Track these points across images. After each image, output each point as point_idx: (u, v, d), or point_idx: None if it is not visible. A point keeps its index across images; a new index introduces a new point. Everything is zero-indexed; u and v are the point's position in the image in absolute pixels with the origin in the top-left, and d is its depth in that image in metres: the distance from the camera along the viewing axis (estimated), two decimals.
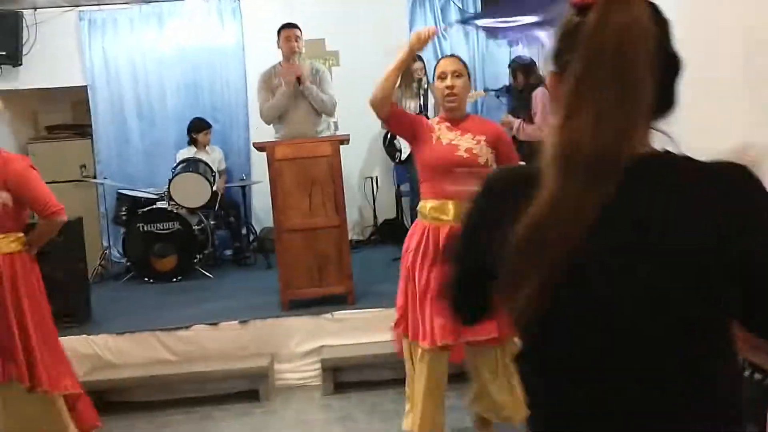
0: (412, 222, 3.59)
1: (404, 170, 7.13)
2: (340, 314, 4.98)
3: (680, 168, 1.12)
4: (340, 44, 7.91)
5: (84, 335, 4.90)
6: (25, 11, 7.60)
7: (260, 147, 5.17)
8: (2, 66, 7.62)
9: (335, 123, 5.77)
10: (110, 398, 4.85)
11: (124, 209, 6.99)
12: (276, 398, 4.74)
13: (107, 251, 7.59)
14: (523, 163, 5.86)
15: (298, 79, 5.56)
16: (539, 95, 6.46)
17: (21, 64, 7.63)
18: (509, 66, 6.99)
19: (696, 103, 1.18)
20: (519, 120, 6.52)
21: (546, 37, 5.27)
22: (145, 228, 6.65)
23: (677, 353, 1.09)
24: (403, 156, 6.82)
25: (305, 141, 5.24)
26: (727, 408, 1.12)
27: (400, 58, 3.30)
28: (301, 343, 4.95)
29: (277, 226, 5.10)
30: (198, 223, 6.84)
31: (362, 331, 4.83)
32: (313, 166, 5.03)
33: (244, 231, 7.58)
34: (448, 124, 3.35)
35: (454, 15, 8.09)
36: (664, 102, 1.15)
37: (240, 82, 7.96)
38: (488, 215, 1.22)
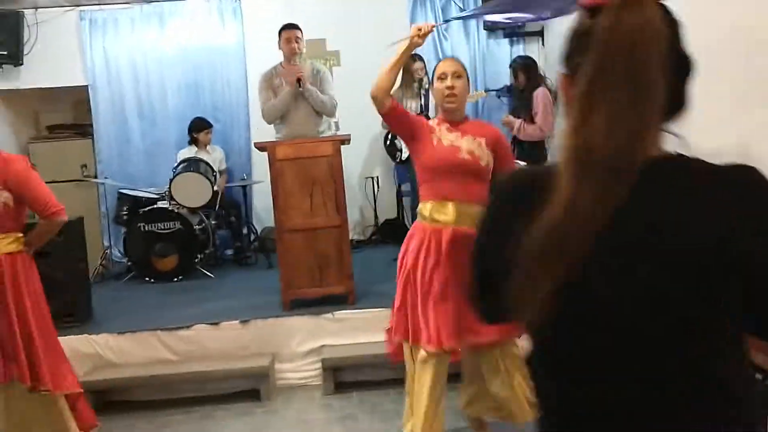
0: (412, 222, 3.57)
1: (405, 170, 7.13)
2: (340, 314, 4.99)
3: (693, 170, 1.12)
4: (341, 44, 7.92)
5: (85, 335, 4.91)
6: (26, 11, 7.61)
7: (261, 147, 5.17)
8: (3, 66, 7.62)
9: (336, 123, 5.78)
10: (111, 398, 4.86)
11: (125, 209, 7.00)
12: (277, 398, 4.75)
13: (108, 251, 7.60)
14: (523, 162, 5.89)
15: (299, 81, 5.57)
16: (540, 95, 6.47)
17: (22, 64, 7.64)
18: (510, 66, 6.99)
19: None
20: (520, 120, 6.53)
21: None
22: (146, 228, 6.65)
23: (677, 353, 1.09)
24: (404, 156, 6.82)
25: (306, 141, 5.24)
26: (727, 408, 1.12)
27: (401, 52, 3.33)
28: (302, 343, 4.96)
29: (278, 225, 5.11)
30: (199, 223, 6.85)
31: (363, 330, 4.83)
32: (314, 166, 5.03)
33: (245, 231, 7.58)
34: (448, 126, 3.34)
35: (454, 14, 8.08)
36: (675, 103, 1.14)
37: (241, 82, 7.96)
38: (502, 218, 1.23)
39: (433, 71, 3.44)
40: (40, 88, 7.85)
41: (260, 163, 6.66)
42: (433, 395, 3.22)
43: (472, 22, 8.12)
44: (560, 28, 7.32)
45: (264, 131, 6.10)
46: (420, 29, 3.34)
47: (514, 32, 8.07)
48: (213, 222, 7.16)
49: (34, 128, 8.47)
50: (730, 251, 1.05)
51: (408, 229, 3.53)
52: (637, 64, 1.06)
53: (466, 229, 3.24)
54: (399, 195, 7.72)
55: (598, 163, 1.06)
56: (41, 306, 3.46)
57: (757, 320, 1.11)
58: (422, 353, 3.24)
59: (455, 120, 3.37)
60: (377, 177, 8.01)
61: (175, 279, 6.62)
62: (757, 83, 3.43)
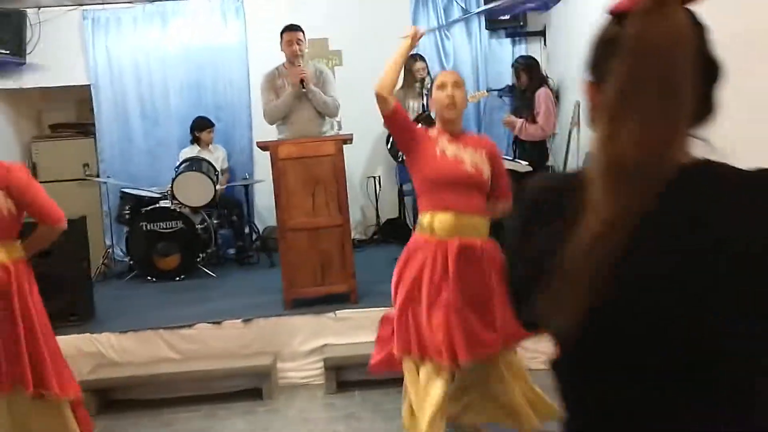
0: (414, 221, 3.57)
1: (406, 170, 7.14)
2: (342, 313, 5.00)
3: (722, 176, 1.12)
4: (343, 44, 7.93)
5: (87, 334, 4.92)
6: (29, 10, 7.63)
7: (264, 146, 5.18)
8: (6, 64, 7.63)
9: (338, 123, 5.79)
10: (114, 396, 4.87)
11: (127, 208, 7.00)
12: (279, 397, 4.76)
13: (110, 250, 7.61)
14: (525, 162, 5.90)
15: (302, 82, 5.58)
16: (542, 95, 6.47)
17: (25, 63, 7.65)
18: (512, 65, 7.00)
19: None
20: (521, 120, 6.54)
21: None
22: (149, 227, 6.66)
23: (716, 359, 1.09)
24: None
25: (309, 140, 5.24)
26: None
27: (400, 51, 3.37)
28: (304, 342, 4.96)
29: (280, 225, 5.11)
30: (201, 222, 6.86)
31: (365, 330, 4.83)
32: (317, 166, 5.04)
33: (247, 230, 7.59)
34: (449, 138, 3.35)
35: (457, 14, 8.09)
36: (703, 109, 1.14)
37: (243, 82, 7.97)
38: (532, 225, 1.22)
39: (431, 84, 3.46)
40: (43, 88, 7.87)
41: (262, 162, 6.66)
42: (441, 407, 3.17)
43: (474, 22, 8.13)
44: (562, 28, 7.33)
45: (266, 131, 6.11)
46: (416, 33, 3.44)
47: (516, 32, 8.08)
48: (215, 221, 7.17)
49: (37, 127, 8.48)
50: (765, 257, 1.05)
51: (410, 229, 3.52)
52: (666, 70, 1.05)
53: (471, 241, 3.26)
54: (401, 194, 7.72)
55: (631, 173, 1.05)
56: (43, 312, 3.46)
57: None
58: (430, 366, 3.20)
59: (454, 131, 3.38)
60: (379, 177, 8.02)
61: (177, 278, 6.63)
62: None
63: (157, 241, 6.64)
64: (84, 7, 7.86)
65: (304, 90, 5.60)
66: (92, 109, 7.95)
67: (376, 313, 4.80)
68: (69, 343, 4.78)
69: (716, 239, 1.07)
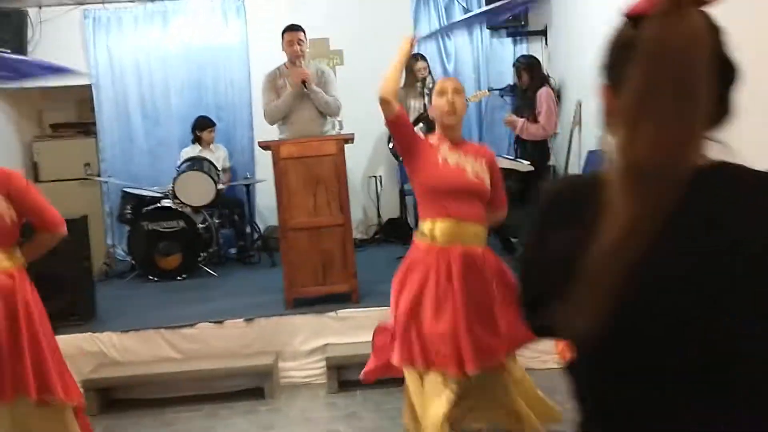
0: (416, 221, 3.56)
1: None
2: (344, 312, 5.00)
3: (741, 178, 1.12)
4: (344, 43, 7.93)
5: (89, 333, 4.92)
6: (30, 9, 7.63)
7: (265, 145, 5.18)
8: None
9: (340, 122, 5.79)
10: (116, 396, 4.87)
11: (128, 207, 7.00)
12: (281, 396, 4.76)
13: (112, 249, 7.61)
14: (526, 162, 5.90)
15: (304, 83, 5.58)
16: (543, 94, 6.47)
17: None
18: (514, 65, 7.00)
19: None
20: (523, 119, 6.53)
21: None
22: (150, 226, 6.67)
23: (740, 363, 1.09)
24: None
25: (310, 140, 5.24)
26: None
27: (401, 53, 3.39)
28: (306, 342, 4.96)
29: (281, 224, 5.12)
30: (202, 222, 6.86)
31: (366, 329, 4.80)
32: (318, 165, 5.04)
33: (248, 229, 7.59)
34: (449, 146, 3.35)
35: (458, 14, 8.09)
36: (719, 111, 1.14)
37: (244, 81, 7.98)
38: (548, 230, 1.22)
39: (431, 91, 3.46)
40: (44, 87, 7.88)
41: (263, 161, 6.67)
42: (447, 416, 3.15)
43: (476, 22, 8.12)
44: (563, 27, 7.32)
45: (267, 130, 6.11)
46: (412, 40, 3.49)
47: (517, 31, 8.08)
48: (216, 221, 7.18)
49: (38, 127, 8.48)
50: None
51: (411, 228, 3.51)
52: (682, 73, 1.05)
53: (473, 248, 3.26)
54: (402, 194, 7.72)
55: (649, 176, 1.05)
56: (45, 317, 3.46)
57: None
58: (435, 377, 3.17)
59: (455, 138, 3.38)
60: (380, 176, 8.03)
61: (179, 277, 6.64)
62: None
63: (159, 240, 6.64)
64: (85, 7, 7.86)
65: (306, 91, 5.60)
66: (93, 109, 7.96)
67: (378, 312, 4.82)
68: (71, 342, 4.78)
69: (733, 240, 1.07)
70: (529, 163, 5.92)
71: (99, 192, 7.98)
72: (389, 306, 3.43)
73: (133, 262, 6.94)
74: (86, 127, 8.26)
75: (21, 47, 7.55)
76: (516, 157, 6.52)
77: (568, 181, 1.33)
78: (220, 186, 6.87)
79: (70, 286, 5.03)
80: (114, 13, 7.91)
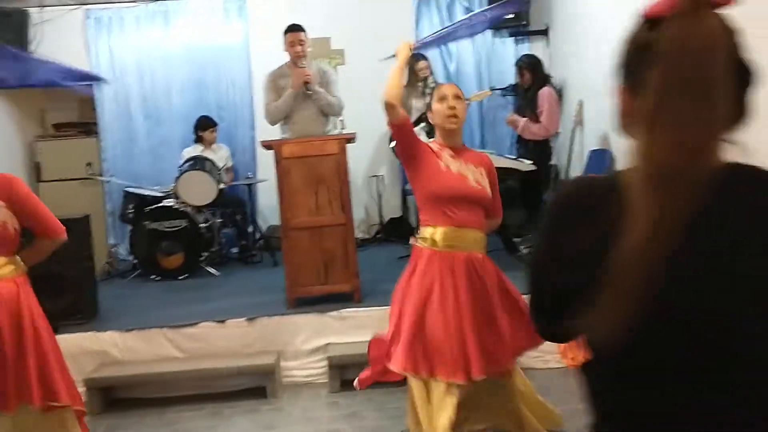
0: (418, 220, 3.56)
1: None
2: (346, 312, 5.00)
3: (759, 179, 1.13)
4: (346, 43, 7.93)
5: (92, 332, 4.93)
6: (32, 9, 7.64)
7: (268, 145, 5.19)
8: None
9: (342, 122, 5.79)
10: (118, 395, 4.88)
11: (130, 207, 7.01)
12: (283, 395, 4.76)
13: (114, 249, 7.62)
14: (528, 161, 5.90)
15: (306, 84, 5.59)
16: (545, 94, 6.47)
17: None
18: (516, 64, 6.99)
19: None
20: (524, 119, 6.53)
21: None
22: (152, 226, 6.67)
23: (745, 366, 1.10)
24: None
25: (312, 139, 5.25)
26: None
27: (400, 58, 3.40)
28: (308, 341, 4.97)
29: (283, 223, 5.12)
30: (204, 221, 6.87)
31: (368, 328, 4.82)
32: (320, 165, 5.04)
33: (250, 229, 7.59)
34: (451, 152, 3.36)
35: (460, 13, 8.10)
36: (736, 113, 1.14)
37: (245, 81, 7.99)
38: (563, 231, 1.22)
39: (431, 97, 3.46)
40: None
41: (265, 161, 6.67)
42: (454, 422, 3.16)
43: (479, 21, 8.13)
44: (565, 27, 7.32)
45: (269, 130, 6.11)
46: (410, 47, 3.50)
47: (519, 31, 8.09)
48: (218, 220, 7.18)
49: (40, 126, 8.48)
50: None
51: (413, 228, 3.51)
52: (702, 74, 1.06)
53: (476, 254, 3.27)
54: (404, 194, 7.73)
55: (671, 178, 1.06)
56: (47, 322, 3.45)
57: None
58: (440, 385, 3.16)
59: (455, 146, 3.39)
60: (382, 176, 8.03)
61: (181, 277, 6.64)
62: None
63: (161, 240, 6.65)
64: (87, 7, 7.88)
65: (309, 92, 5.62)
66: (95, 109, 7.96)
67: (380, 312, 4.82)
68: (73, 341, 4.79)
69: (757, 240, 1.08)
70: (530, 162, 5.91)
71: (101, 191, 7.99)
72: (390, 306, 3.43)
73: (135, 261, 6.95)
74: (88, 127, 8.26)
75: (22, 47, 7.56)
76: (517, 156, 6.51)
77: (580, 183, 1.32)
78: (222, 185, 6.88)
79: (72, 286, 5.04)
80: (116, 12, 7.92)
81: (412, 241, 3.44)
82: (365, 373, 3.52)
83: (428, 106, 3.49)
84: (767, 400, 1.11)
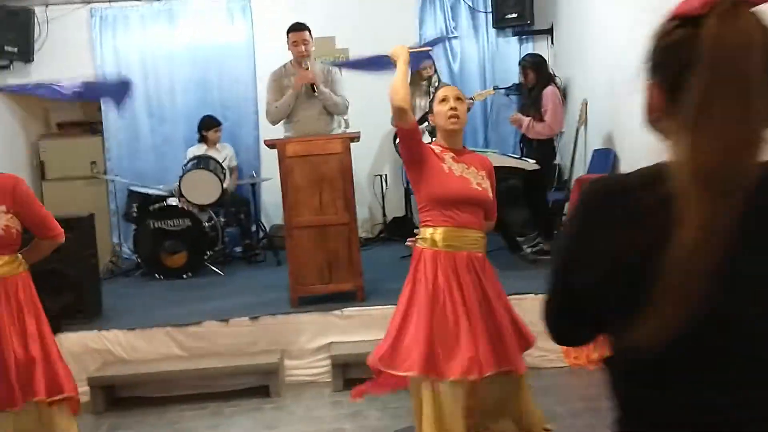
0: (420, 220, 3.55)
1: None
2: (349, 311, 5.00)
3: None
4: (350, 41, 7.93)
5: (95, 331, 4.93)
6: (36, 8, 7.65)
7: (271, 144, 5.19)
8: (14, 62, 7.67)
9: (346, 121, 5.80)
10: (121, 393, 4.88)
11: (134, 206, 7.01)
12: (286, 394, 4.76)
13: (118, 247, 7.63)
14: (532, 161, 5.89)
15: (313, 86, 5.60)
16: (549, 93, 6.46)
17: (32, 61, 7.68)
18: (519, 64, 6.99)
19: None
20: (528, 118, 6.53)
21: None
22: (156, 225, 6.68)
23: None
24: None
25: (316, 138, 5.25)
26: None
27: (402, 62, 3.37)
28: (311, 340, 4.97)
29: (287, 223, 5.12)
30: (208, 220, 6.87)
31: (372, 328, 4.83)
32: (324, 164, 5.04)
33: (253, 228, 7.60)
34: (453, 155, 3.35)
35: (464, 13, 8.09)
36: None
37: (250, 80, 7.98)
38: (590, 232, 1.21)
39: (431, 100, 3.46)
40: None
41: (269, 160, 6.67)
42: (464, 419, 3.18)
43: (481, 19, 8.12)
44: (569, 26, 7.32)
45: (273, 129, 6.11)
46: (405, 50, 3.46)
47: (523, 30, 8.07)
48: (222, 219, 7.18)
49: (44, 125, 8.50)
50: None
51: (416, 227, 3.51)
52: (744, 73, 1.05)
53: (475, 254, 3.28)
54: (407, 193, 7.72)
55: (721, 178, 1.05)
56: (45, 318, 3.49)
57: None
58: (448, 387, 3.14)
59: (456, 147, 3.39)
60: (386, 175, 8.03)
61: (185, 276, 6.64)
62: None
63: (165, 238, 6.66)
64: (91, 5, 7.88)
65: (315, 93, 5.63)
66: (99, 107, 7.97)
67: (383, 311, 4.81)
68: (76, 340, 4.81)
69: None
70: (534, 161, 5.91)
71: (105, 190, 7.99)
72: (395, 304, 3.42)
73: (138, 260, 6.96)
74: (92, 126, 8.29)
75: (27, 45, 7.58)
76: (521, 155, 6.51)
77: (611, 182, 1.28)
78: (226, 184, 6.88)
79: (76, 284, 5.04)
80: (120, 11, 7.93)
81: (409, 242, 3.44)
82: (362, 387, 3.55)
83: (429, 109, 3.49)
84: None
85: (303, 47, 5.66)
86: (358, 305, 5.04)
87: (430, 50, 7.11)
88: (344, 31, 7.87)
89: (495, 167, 3.54)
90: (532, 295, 4.79)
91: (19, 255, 3.37)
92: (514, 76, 7.56)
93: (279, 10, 7.63)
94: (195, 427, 4.38)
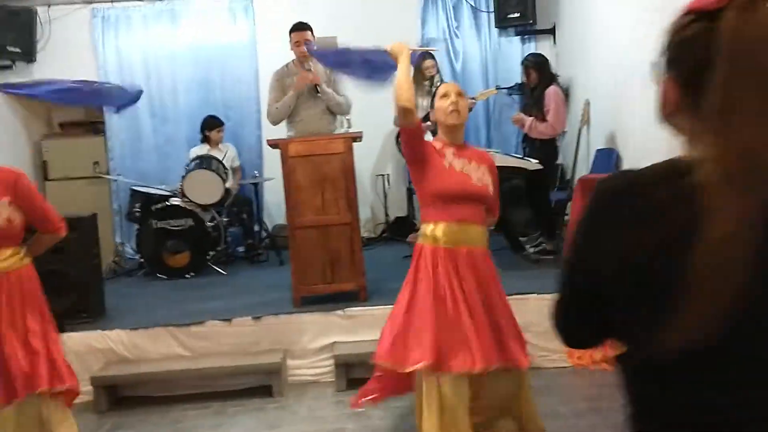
0: (421, 216, 3.55)
1: None
2: (352, 311, 5.00)
3: None
4: (353, 41, 7.90)
5: (98, 330, 4.94)
6: (39, 8, 7.67)
7: (274, 144, 5.19)
8: (16, 62, 7.68)
9: (349, 121, 5.80)
10: (124, 393, 4.89)
11: (137, 206, 7.02)
12: (289, 394, 4.76)
13: (121, 247, 7.64)
14: (535, 160, 5.89)
15: (315, 86, 5.61)
16: (552, 93, 6.46)
17: (35, 61, 7.69)
18: (522, 63, 6.99)
19: None
20: (531, 118, 6.52)
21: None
22: (159, 224, 6.69)
23: None
24: None
25: (318, 138, 5.25)
26: None
27: (405, 63, 3.39)
28: (314, 340, 4.97)
29: (289, 222, 5.12)
30: (211, 220, 6.88)
31: (374, 327, 4.81)
32: (326, 163, 5.05)
33: (256, 228, 7.60)
34: (454, 150, 3.36)
35: (466, 12, 8.09)
36: None
37: (252, 80, 7.99)
38: (603, 230, 1.20)
39: (432, 98, 3.47)
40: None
41: (271, 160, 6.66)
42: (466, 417, 3.19)
43: (483, 19, 8.12)
44: (572, 26, 7.31)
45: (275, 128, 6.12)
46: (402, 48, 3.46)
47: (525, 30, 8.08)
48: (225, 219, 7.19)
49: (47, 125, 8.51)
50: None
51: (418, 227, 3.52)
52: (763, 67, 1.05)
53: (475, 248, 3.28)
54: (410, 192, 7.73)
55: (751, 173, 1.04)
56: (50, 312, 3.51)
57: None
58: (451, 380, 3.15)
59: (457, 143, 3.40)
60: (388, 174, 8.03)
61: (187, 276, 6.65)
62: None
63: (167, 238, 6.67)
64: (94, 5, 7.90)
65: (319, 94, 5.64)
66: (102, 108, 7.98)
67: (386, 310, 4.78)
68: (80, 340, 4.81)
69: None
70: (537, 161, 5.91)
71: (108, 190, 8.01)
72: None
73: (141, 260, 6.97)
74: (95, 126, 8.29)
75: (30, 45, 7.59)
76: (524, 155, 6.51)
77: (622, 179, 1.25)
78: (228, 184, 6.89)
79: (79, 284, 5.05)
80: (123, 11, 7.94)
81: (410, 239, 3.46)
82: (360, 397, 3.59)
83: (431, 105, 3.50)
84: None
85: (305, 47, 5.66)
86: (360, 305, 5.04)
87: (435, 50, 7.14)
88: (346, 31, 7.77)
89: (497, 167, 3.55)
90: (535, 295, 4.79)
91: (23, 248, 3.38)
92: (516, 76, 7.56)
93: (281, 9, 7.64)
94: (197, 427, 4.38)
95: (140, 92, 6.28)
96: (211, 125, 7.44)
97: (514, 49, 8.13)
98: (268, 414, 4.50)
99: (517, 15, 7.87)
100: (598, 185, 1.24)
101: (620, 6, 5.80)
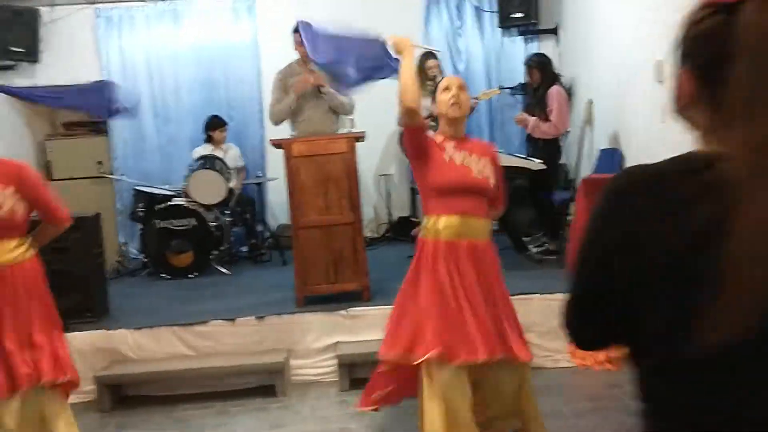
0: (423, 210, 3.56)
1: None
2: (355, 311, 5.00)
3: None
4: None
5: (102, 330, 4.95)
6: (42, 8, 7.68)
7: (277, 144, 5.19)
8: (20, 63, 7.69)
9: (352, 121, 5.80)
10: (128, 392, 4.90)
11: (140, 206, 7.03)
12: (292, 394, 4.76)
13: (124, 247, 7.65)
14: (538, 160, 5.89)
15: (319, 87, 5.62)
16: (555, 93, 6.45)
17: (38, 61, 7.70)
18: (525, 63, 6.98)
19: None
20: (534, 118, 6.52)
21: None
22: (162, 224, 6.70)
23: None
24: None
25: (321, 138, 5.26)
26: None
27: (407, 63, 3.37)
28: (317, 340, 4.97)
29: (292, 222, 5.13)
30: (214, 220, 6.89)
31: (377, 327, 4.82)
32: (329, 163, 5.05)
33: (259, 228, 7.61)
34: (454, 144, 3.37)
35: (469, 12, 8.09)
36: None
37: (255, 80, 8.00)
38: (617, 228, 1.18)
39: (435, 91, 3.47)
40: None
41: (274, 160, 6.68)
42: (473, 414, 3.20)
43: (486, 19, 8.12)
44: (575, 25, 7.31)
45: (278, 128, 6.12)
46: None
47: (528, 30, 8.08)
48: (228, 219, 7.20)
49: (50, 125, 8.53)
50: None
51: (419, 224, 3.53)
52: None
53: (477, 241, 3.29)
54: (413, 192, 7.73)
55: None
56: (54, 304, 3.52)
57: None
58: (453, 371, 3.16)
59: (458, 135, 3.40)
60: (391, 175, 8.04)
61: (191, 275, 6.67)
62: None
63: (171, 238, 6.68)
64: (97, 5, 7.91)
65: (322, 94, 5.64)
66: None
67: (389, 310, 4.80)
68: (84, 339, 4.82)
69: None
70: (540, 161, 5.91)
71: (111, 190, 8.03)
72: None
73: (145, 259, 6.98)
74: (98, 126, 8.30)
75: (33, 46, 7.60)
76: (527, 155, 6.51)
77: (644, 172, 1.21)
78: (232, 184, 6.90)
79: (83, 284, 5.06)
80: (126, 11, 7.95)
81: (414, 232, 3.47)
82: (365, 400, 3.61)
83: (433, 99, 3.51)
84: None
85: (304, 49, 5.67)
86: (363, 305, 5.05)
87: (437, 51, 7.14)
88: None
89: (501, 167, 3.55)
90: (538, 295, 4.79)
91: (27, 240, 3.39)
92: (519, 76, 7.55)
93: (283, 9, 7.63)
94: (201, 426, 4.39)
95: (136, 108, 6.31)
96: (214, 125, 7.45)
97: (517, 49, 8.13)
98: (271, 413, 4.51)
99: (520, 15, 7.86)
100: (615, 180, 1.21)
101: (623, 5, 5.80)
